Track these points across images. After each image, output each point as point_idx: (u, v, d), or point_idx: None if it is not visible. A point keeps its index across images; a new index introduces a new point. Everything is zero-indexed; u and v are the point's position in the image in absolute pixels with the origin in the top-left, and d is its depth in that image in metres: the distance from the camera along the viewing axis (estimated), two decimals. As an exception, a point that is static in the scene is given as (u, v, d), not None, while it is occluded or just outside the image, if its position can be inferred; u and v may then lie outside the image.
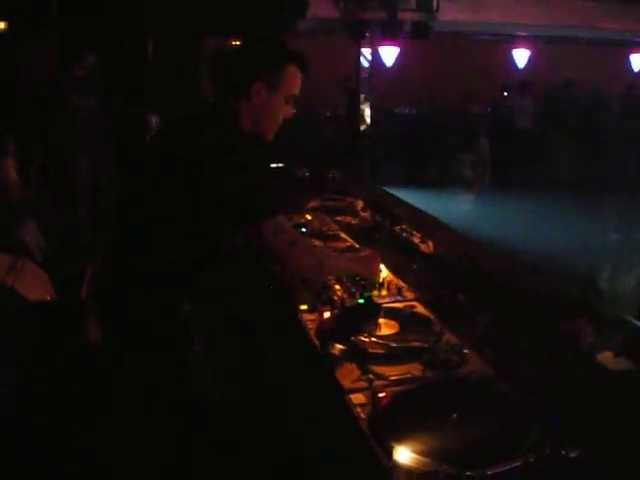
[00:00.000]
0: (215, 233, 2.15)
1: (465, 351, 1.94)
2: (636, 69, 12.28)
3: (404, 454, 1.48)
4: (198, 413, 2.18)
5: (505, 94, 11.14)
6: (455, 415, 1.61)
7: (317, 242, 2.84)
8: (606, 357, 2.02)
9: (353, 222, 3.58)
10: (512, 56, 11.94)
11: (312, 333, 2.14)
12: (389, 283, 2.54)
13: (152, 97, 7.05)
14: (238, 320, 2.39)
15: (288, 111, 2.32)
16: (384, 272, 2.61)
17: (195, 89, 7.93)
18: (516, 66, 11.94)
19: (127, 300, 2.16)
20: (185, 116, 2.32)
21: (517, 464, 1.43)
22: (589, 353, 2.03)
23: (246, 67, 2.26)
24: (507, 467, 1.42)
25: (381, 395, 1.70)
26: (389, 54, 10.98)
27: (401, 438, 1.53)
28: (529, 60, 11.84)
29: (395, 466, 1.46)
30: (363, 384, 1.80)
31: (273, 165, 4.97)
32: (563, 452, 1.45)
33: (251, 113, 2.24)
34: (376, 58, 10.89)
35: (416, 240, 3.12)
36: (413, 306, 2.34)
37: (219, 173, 2.06)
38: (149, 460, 2.20)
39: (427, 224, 3.36)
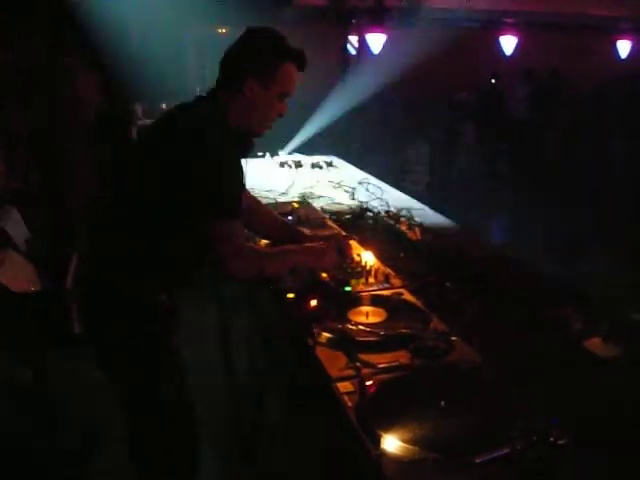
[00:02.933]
0: (188, 226, 2.12)
1: (453, 338, 1.92)
2: (623, 56, 12.27)
3: (392, 442, 1.46)
4: (177, 407, 2.16)
5: (493, 81, 11.12)
6: (443, 403, 1.59)
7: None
8: (594, 343, 2.01)
9: (339, 209, 3.55)
10: (499, 43, 11.91)
11: (298, 321, 2.11)
12: (376, 270, 2.51)
13: (137, 86, 6.97)
14: (221, 311, 2.36)
15: (282, 108, 2.29)
16: (371, 259, 2.59)
17: (181, 78, 7.86)
18: (504, 53, 11.91)
19: (104, 290, 2.15)
20: (175, 109, 2.28)
21: (505, 451, 1.41)
22: (577, 339, 2.02)
23: (240, 62, 2.22)
24: (495, 454, 1.41)
25: (369, 383, 1.69)
26: (376, 42, 10.93)
27: (389, 426, 1.51)
28: (516, 47, 11.81)
29: (383, 454, 1.44)
30: (350, 372, 1.78)
31: (260, 154, 4.94)
32: (551, 439, 1.44)
33: (241, 108, 2.22)
34: (363, 46, 10.84)
35: (403, 227, 3.11)
36: (400, 293, 2.32)
37: (190, 168, 2.05)
38: (127, 449, 2.20)
39: (414, 211, 3.34)
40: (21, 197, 4.51)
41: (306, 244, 2.46)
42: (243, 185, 2.19)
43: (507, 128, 10.53)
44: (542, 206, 7.50)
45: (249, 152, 2.33)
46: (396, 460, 1.43)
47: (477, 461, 1.39)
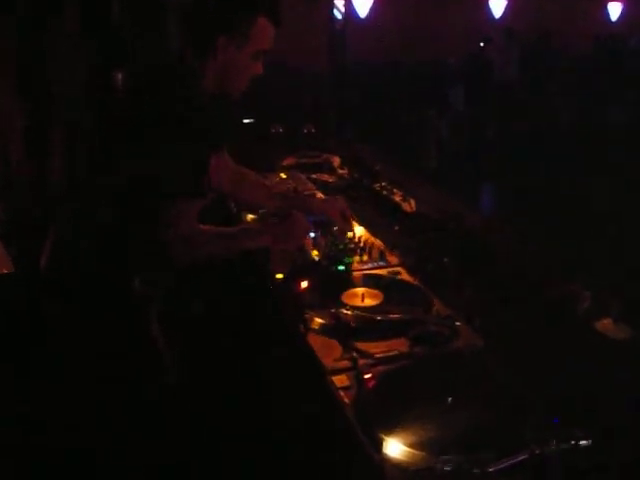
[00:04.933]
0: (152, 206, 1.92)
1: (457, 323, 1.75)
2: (614, 18, 12.08)
3: (395, 447, 1.30)
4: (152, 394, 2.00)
5: (482, 44, 10.87)
6: (450, 399, 1.43)
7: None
8: (605, 325, 1.87)
9: (330, 180, 3.38)
10: (488, 5, 11.68)
11: (288, 306, 1.94)
12: (370, 247, 2.34)
13: (118, 54, 6.71)
14: (203, 296, 2.18)
15: (258, 68, 2.08)
16: (365, 235, 2.42)
17: (162, 44, 7.59)
18: (493, 16, 11.69)
19: (75, 275, 1.98)
20: (144, 76, 2.06)
21: (522, 457, 1.25)
22: (586, 320, 1.87)
23: (211, 20, 2.01)
24: (511, 462, 1.25)
25: (367, 376, 1.53)
26: (362, 4, 10.67)
27: (391, 427, 1.35)
28: (506, 9, 11.59)
29: (385, 461, 1.28)
30: (346, 363, 1.61)
31: (246, 121, 4.75)
32: (572, 442, 1.28)
33: (216, 71, 2.01)
34: (349, 9, 10.59)
35: (397, 198, 2.93)
36: (397, 272, 2.15)
37: (154, 140, 1.85)
38: (97, 431, 2.02)
39: (409, 181, 3.16)
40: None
41: (271, 222, 2.24)
42: (205, 162, 1.96)
43: (496, 93, 10.30)
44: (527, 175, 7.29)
45: (228, 118, 2.11)
46: (401, 468, 1.27)
47: (491, 470, 1.24)
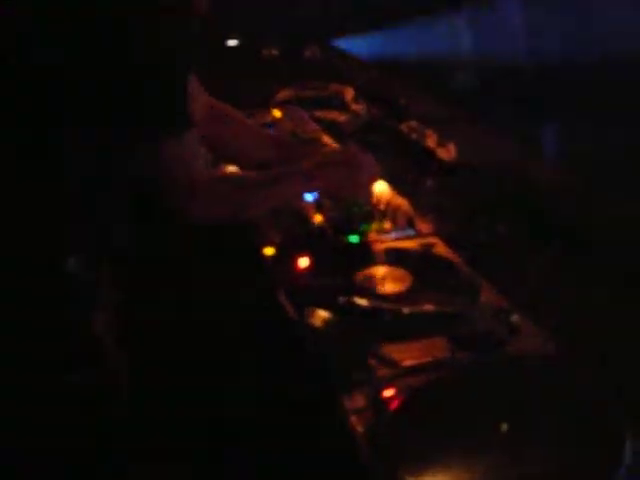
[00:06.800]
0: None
1: (514, 317, 1.66)
2: None
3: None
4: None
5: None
6: (505, 426, 1.32)
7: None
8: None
9: (340, 118, 3.31)
10: None
11: (282, 291, 1.87)
12: (395, 210, 2.26)
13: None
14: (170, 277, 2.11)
15: None
16: (387, 194, 2.32)
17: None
18: None
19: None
20: None
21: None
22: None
23: None
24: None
25: (388, 394, 1.45)
26: None
27: (421, 468, 1.25)
28: None
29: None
30: (360, 375, 1.54)
31: (231, 43, 4.69)
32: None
33: None
34: None
35: (432, 143, 2.83)
36: (431, 245, 2.08)
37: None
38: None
39: (447, 118, 3.05)
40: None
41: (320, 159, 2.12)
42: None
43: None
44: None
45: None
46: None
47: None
